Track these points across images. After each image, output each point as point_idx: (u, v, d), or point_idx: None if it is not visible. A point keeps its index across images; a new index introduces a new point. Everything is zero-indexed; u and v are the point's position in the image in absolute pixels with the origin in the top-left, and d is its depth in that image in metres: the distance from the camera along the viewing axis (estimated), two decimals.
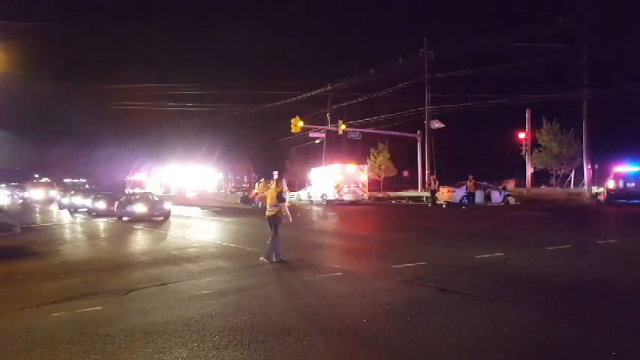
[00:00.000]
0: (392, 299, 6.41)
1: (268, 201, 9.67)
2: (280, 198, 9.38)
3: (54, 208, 35.36)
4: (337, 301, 6.45)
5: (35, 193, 48.52)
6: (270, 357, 4.43)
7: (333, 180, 31.40)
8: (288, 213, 9.53)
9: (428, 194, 32.13)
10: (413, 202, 32.40)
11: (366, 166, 34.48)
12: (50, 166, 72.62)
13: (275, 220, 9.36)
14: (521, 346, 4.57)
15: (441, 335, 4.89)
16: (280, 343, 4.77)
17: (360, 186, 31.99)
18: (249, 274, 8.47)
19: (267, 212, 9.57)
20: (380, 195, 39.24)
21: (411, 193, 35.68)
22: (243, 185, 46.90)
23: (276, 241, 9.32)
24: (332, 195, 31.14)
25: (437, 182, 28.55)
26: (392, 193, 38.06)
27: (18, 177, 69.75)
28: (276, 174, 36.07)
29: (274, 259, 9.21)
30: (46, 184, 54.26)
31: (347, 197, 30.62)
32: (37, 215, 29.78)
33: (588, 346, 4.55)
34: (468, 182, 25.82)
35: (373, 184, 47.03)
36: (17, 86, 33.94)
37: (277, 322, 5.44)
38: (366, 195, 32.44)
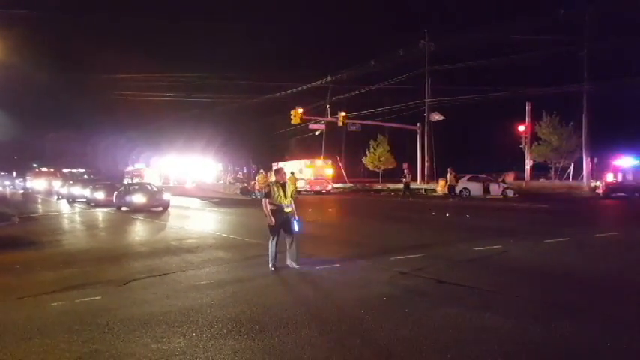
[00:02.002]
0: (390, 290, 6.44)
1: None
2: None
3: (54, 198, 35.33)
4: (335, 292, 6.47)
5: (37, 184, 48.14)
6: (268, 347, 4.45)
7: (303, 174, 34.29)
8: (266, 213, 7.93)
9: (427, 187, 32.38)
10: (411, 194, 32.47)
11: (330, 161, 38.19)
12: (48, 155, 72.42)
13: None
14: (519, 337, 4.60)
15: (438, 326, 4.92)
16: (278, 333, 4.79)
17: (326, 178, 35.69)
18: (248, 265, 8.49)
19: None
20: (379, 187, 39.37)
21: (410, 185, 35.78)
22: (238, 177, 46.86)
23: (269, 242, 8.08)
24: (302, 187, 33.65)
25: (410, 175, 29.56)
26: (391, 185, 38.16)
27: (14, 167, 69.53)
28: (276, 165, 36.32)
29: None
30: (48, 173, 53.85)
31: (315, 188, 33.98)
32: (36, 205, 29.77)
33: (584, 338, 4.58)
34: (449, 175, 25.65)
35: (372, 176, 47.10)
36: (14, 74, 33.77)
37: (275, 313, 5.47)
38: (330, 187, 35.88)
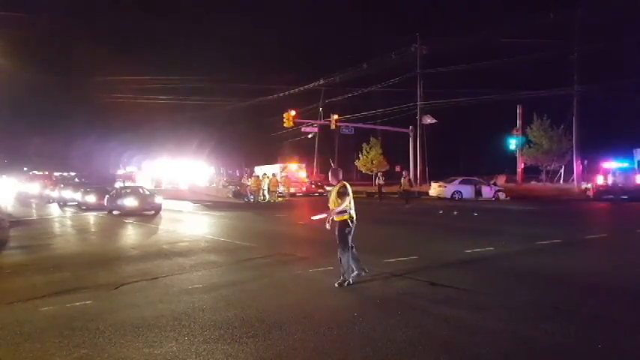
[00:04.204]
0: (383, 293, 6.45)
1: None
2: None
3: (46, 202, 34.98)
4: (328, 295, 6.47)
5: (31, 187, 47.25)
6: (261, 351, 4.44)
7: (280, 176, 34.78)
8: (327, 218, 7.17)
9: (420, 189, 32.51)
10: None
11: (303, 165, 39.54)
12: (39, 159, 71.75)
13: None
14: (511, 338, 4.63)
15: (431, 328, 4.94)
16: (271, 337, 4.78)
17: (301, 181, 37.03)
18: (241, 269, 8.46)
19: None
20: (372, 190, 39.54)
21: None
22: (243, 180, 46.73)
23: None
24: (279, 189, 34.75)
25: (383, 178, 29.90)
26: (384, 189, 38.31)
27: (5, 171, 68.73)
28: (257, 169, 36.74)
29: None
30: (43, 176, 53.09)
31: (291, 191, 34.81)
32: (26, 209, 29.46)
33: (575, 339, 4.61)
34: (403, 180, 25.01)
35: (366, 179, 47.19)
36: (3, 77, 33.42)
37: (268, 317, 5.45)
38: (304, 188, 37.05)
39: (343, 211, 6.90)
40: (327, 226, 7.19)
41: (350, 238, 6.93)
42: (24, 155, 75.63)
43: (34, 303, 6.51)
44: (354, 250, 7.02)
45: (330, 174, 7.34)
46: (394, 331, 4.88)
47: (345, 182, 7.08)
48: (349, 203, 6.90)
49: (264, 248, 10.61)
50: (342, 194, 6.90)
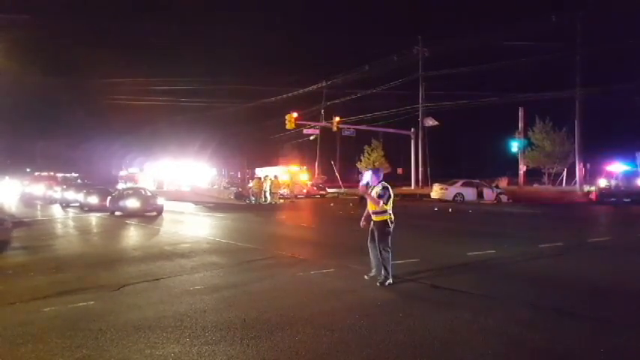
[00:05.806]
0: (384, 295, 6.45)
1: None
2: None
3: (48, 202, 35.04)
4: (330, 297, 6.47)
5: (35, 188, 47.15)
6: (263, 352, 4.44)
7: (283, 178, 35.19)
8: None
9: (422, 191, 32.49)
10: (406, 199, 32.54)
11: (305, 167, 40.33)
12: (41, 160, 71.88)
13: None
14: (511, 341, 4.62)
15: (432, 331, 4.94)
16: (272, 338, 4.78)
17: (301, 183, 37.43)
18: (242, 270, 8.47)
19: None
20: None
21: (404, 189, 35.96)
22: (236, 181, 46.69)
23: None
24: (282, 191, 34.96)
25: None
26: None
27: (8, 172, 68.85)
28: (258, 171, 36.72)
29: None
30: (48, 177, 52.94)
31: (294, 192, 34.84)
32: (29, 210, 29.54)
33: (577, 342, 4.61)
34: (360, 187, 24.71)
35: None
36: (6, 79, 33.56)
37: (270, 318, 5.46)
38: (305, 190, 37.57)
39: (384, 212, 6.97)
40: (362, 224, 7.45)
41: (390, 238, 7.02)
42: (27, 156, 75.84)
43: (36, 303, 6.52)
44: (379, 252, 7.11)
45: (371, 174, 7.30)
46: (395, 333, 4.88)
47: (386, 183, 7.13)
48: (390, 204, 6.98)
49: (265, 250, 10.62)
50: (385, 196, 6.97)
